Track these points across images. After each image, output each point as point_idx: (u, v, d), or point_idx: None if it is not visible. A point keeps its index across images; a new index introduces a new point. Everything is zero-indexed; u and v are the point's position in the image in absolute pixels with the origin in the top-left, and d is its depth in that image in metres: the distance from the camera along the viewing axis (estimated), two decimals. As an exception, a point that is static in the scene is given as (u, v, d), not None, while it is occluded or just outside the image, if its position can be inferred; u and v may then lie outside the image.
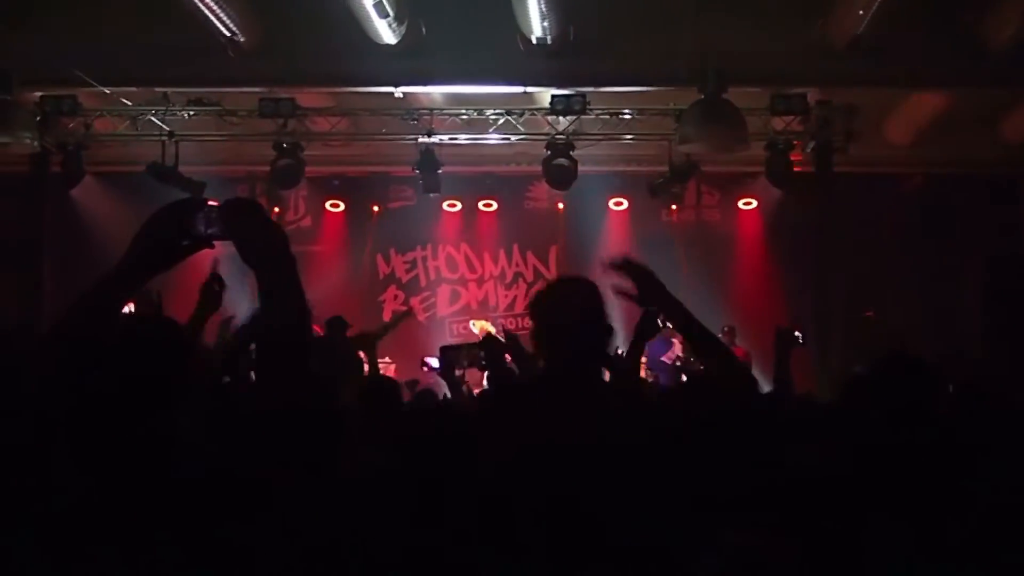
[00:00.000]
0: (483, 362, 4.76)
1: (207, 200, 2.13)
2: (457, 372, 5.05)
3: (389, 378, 7.53)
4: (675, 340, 12.33)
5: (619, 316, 3.03)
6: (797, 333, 5.24)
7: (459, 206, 15.29)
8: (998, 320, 12.82)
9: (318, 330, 10.08)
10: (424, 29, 11.10)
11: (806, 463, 2.71)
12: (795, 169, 12.57)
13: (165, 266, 2.10)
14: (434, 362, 9.98)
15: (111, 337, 2.09)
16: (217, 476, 2.01)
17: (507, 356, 4.77)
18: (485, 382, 5.29)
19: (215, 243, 2.10)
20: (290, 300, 2.09)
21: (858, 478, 2.51)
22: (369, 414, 4.45)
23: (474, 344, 5.19)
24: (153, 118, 12.80)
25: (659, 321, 4.23)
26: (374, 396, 4.77)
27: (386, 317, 15.19)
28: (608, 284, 2.84)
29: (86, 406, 2.04)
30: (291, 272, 2.09)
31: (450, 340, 14.85)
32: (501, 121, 12.75)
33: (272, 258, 2.08)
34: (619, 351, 5.42)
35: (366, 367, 8.07)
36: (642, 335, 4.28)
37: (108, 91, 12.04)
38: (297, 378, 2.10)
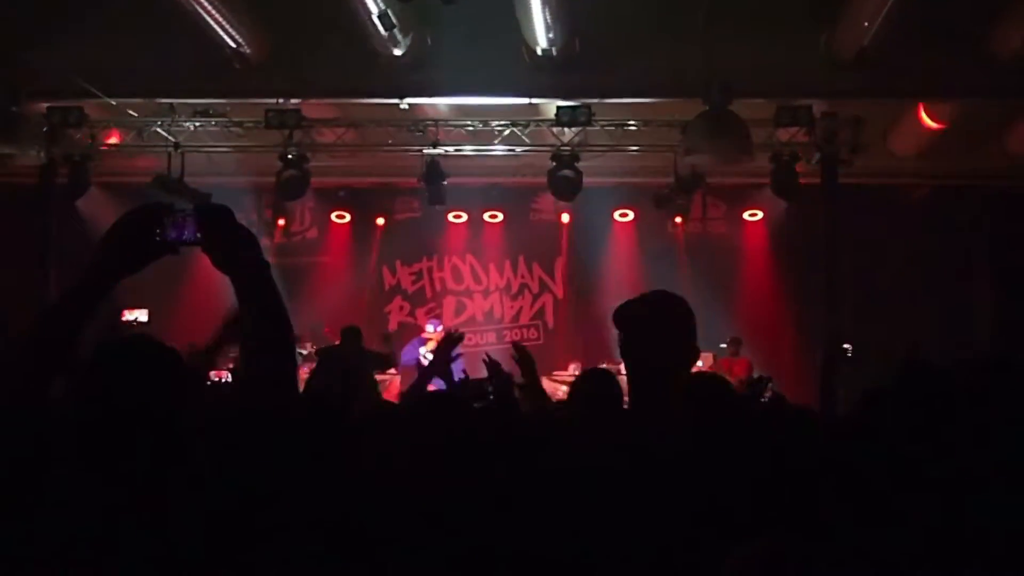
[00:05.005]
0: (490, 395, 4.54)
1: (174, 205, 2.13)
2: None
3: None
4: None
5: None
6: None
7: (465, 217, 15.31)
8: (1010, 330, 12.80)
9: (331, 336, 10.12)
10: (429, 41, 11.14)
11: (823, 473, 2.70)
12: (800, 181, 12.56)
13: (131, 270, 2.10)
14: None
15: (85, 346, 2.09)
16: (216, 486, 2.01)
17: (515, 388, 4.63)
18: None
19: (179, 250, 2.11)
20: (266, 303, 2.09)
21: (875, 489, 2.51)
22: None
23: (480, 380, 4.97)
24: (159, 129, 12.82)
25: None
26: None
27: (392, 327, 15.21)
28: None
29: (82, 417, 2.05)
30: (264, 275, 2.09)
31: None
32: (506, 132, 12.74)
33: (244, 263, 2.09)
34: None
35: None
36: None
37: (114, 103, 12.08)
38: (283, 377, 2.11)
